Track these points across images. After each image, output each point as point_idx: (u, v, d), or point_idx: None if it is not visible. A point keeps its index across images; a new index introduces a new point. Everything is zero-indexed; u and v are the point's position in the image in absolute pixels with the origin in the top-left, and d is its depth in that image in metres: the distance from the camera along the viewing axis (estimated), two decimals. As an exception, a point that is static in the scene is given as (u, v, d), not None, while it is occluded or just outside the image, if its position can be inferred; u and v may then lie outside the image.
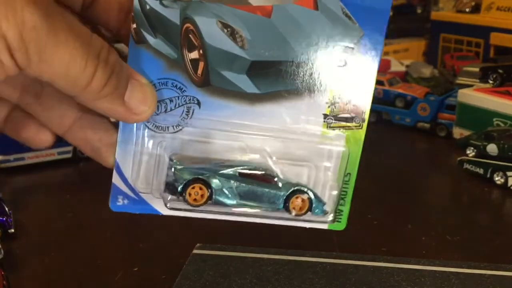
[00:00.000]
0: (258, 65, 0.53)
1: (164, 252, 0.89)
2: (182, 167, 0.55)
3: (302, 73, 0.54)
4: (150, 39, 0.52)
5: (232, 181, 0.58)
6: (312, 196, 0.58)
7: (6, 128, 0.57)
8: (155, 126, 0.54)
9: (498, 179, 1.10)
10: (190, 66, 0.54)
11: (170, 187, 0.55)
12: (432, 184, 1.16)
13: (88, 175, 1.23)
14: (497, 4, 1.76)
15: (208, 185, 0.56)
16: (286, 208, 0.58)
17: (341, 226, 0.59)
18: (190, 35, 0.53)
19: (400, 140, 1.41)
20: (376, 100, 1.51)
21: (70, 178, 1.22)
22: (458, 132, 1.34)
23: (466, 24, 1.86)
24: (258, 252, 0.85)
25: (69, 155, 1.23)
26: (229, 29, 0.52)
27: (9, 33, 0.42)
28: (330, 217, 0.59)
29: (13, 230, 0.93)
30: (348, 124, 0.59)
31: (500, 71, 1.30)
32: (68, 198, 1.09)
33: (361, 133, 0.60)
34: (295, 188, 0.58)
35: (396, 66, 1.82)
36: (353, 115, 0.58)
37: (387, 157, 1.31)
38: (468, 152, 1.18)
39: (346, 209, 0.59)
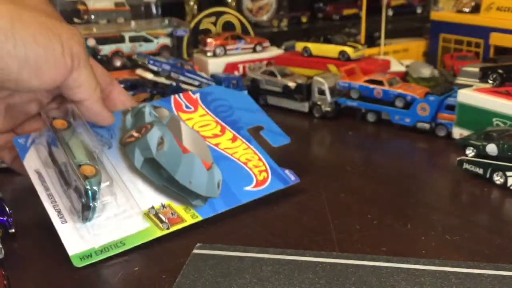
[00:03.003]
0: (156, 164, 0.99)
1: (164, 251, 0.89)
2: None
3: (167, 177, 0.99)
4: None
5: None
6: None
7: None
8: None
9: (497, 179, 1.11)
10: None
11: None
12: (431, 184, 1.16)
13: (88, 175, 1.23)
14: (497, 4, 1.76)
15: None
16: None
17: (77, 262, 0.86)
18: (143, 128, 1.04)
19: (399, 140, 1.41)
20: (376, 100, 1.52)
21: (70, 178, 1.22)
22: (458, 132, 1.34)
23: (466, 24, 1.86)
24: (258, 252, 0.85)
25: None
26: (160, 139, 1.00)
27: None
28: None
29: (13, 230, 0.93)
30: (159, 223, 0.92)
31: (500, 71, 1.30)
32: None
33: (157, 232, 0.91)
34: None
35: (396, 66, 1.82)
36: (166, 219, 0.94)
37: (387, 157, 1.31)
38: (467, 152, 1.18)
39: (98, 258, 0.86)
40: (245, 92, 1.27)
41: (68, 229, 0.88)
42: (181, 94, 1.17)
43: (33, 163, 0.94)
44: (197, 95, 1.19)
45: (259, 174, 1.06)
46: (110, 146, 1.01)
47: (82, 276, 0.83)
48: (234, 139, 1.11)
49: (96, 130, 1.00)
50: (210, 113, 1.16)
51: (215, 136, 1.10)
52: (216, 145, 1.09)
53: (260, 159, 1.09)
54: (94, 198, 0.85)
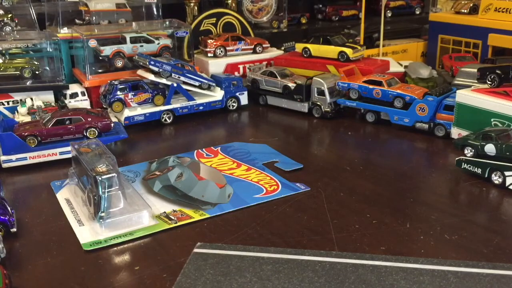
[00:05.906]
0: (173, 187, 1.10)
1: (164, 251, 0.90)
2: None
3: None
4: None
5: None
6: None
7: None
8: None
9: (496, 178, 1.11)
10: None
11: None
12: (430, 184, 1.17)
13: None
14: (495, 6, 1.77)
15: None
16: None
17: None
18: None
19: (398, 140, 1.42)
20: (375, 100, 1.52)
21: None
22: (456, 132, 1.35)
23: (464, 25, 1.87)
24: (258, 251, 0.86)
25: (70, 155, 1.23)
26: (180, 173, 1.13)
27: None
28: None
29: (15, 230, 0.94)
30: (168, 220, 0.99)
31: (498, 71, 1.30)
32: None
33: (164, 226, 0.97)
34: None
35: (395, 67, 1.83)
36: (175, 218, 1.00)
37: (386, 156, 1.31)
38: (466, 152, 1.19)
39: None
40: (265, 145, 1.35)
41: (83, 229, 0.97)
42: (204, 149, 1.32)
43: (64, 195, 1.11)
44: (218, 148, 1.34)
45: (269, 187, 1.12)
46: (134, 181, 1.14)
47: (83, 275, 0.84)
48: (248, 169, 1.21)
49: (123, 171, 1.16)
50: (228, 157, 1.28)
51: (231, 169, 1.21)
52: (231, 174, 1.19)
53: (272, 179, 1.16)
54: (103, 187, 0.94)
